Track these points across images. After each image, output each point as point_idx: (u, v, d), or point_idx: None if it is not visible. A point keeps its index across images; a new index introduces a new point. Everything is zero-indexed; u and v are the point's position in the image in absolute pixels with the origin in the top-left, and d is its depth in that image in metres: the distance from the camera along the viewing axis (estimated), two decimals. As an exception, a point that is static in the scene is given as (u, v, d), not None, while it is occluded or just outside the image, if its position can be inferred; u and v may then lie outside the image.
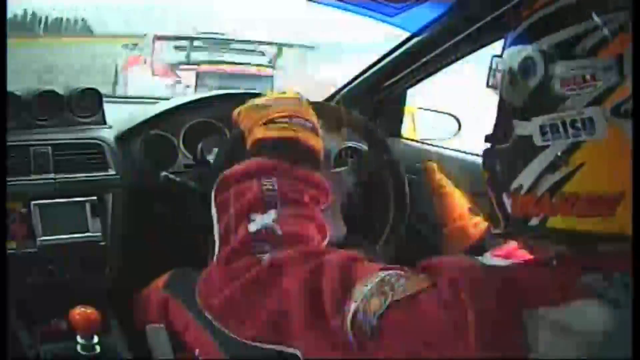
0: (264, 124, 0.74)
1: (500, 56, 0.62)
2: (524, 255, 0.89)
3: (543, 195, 0.55)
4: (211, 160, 1.32)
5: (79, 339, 1.15)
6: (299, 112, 0.76)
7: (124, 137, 1.36)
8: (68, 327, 1.18)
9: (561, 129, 0.53)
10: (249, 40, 6.44)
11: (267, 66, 5.94)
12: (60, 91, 1.35)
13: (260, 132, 0.74)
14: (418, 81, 1.56)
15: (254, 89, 1.81)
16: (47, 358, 1.18)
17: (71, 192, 1.26)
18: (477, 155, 1.51)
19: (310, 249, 0.63)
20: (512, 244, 0.94)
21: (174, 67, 5.69)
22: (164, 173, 1.30)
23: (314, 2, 1.36)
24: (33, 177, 1.23)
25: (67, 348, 1.18)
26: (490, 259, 0.70)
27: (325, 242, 0.68)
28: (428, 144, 1.67)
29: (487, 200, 0.65)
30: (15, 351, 1.17)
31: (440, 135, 1.72)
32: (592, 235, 0.53)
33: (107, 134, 1.35)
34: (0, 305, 0.93)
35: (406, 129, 1.71)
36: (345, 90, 1.66)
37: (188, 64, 5.66)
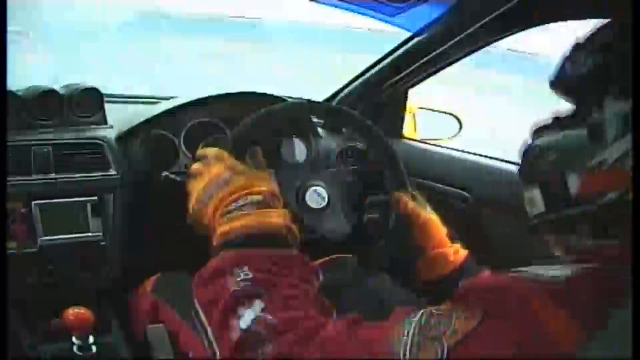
0: (221, 216, 0.73)
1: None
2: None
3: (631, 167, 0.55)
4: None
5: (74, 339, 1.15)
6: (245, 185, 0.75)
7: (124, 137, 1.36)
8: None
9: None
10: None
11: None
12: (61, 91, 1.35)
13: (220, 228, 0.73)
14: (418, 81, 1.56)
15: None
16: (46, 358, 1.18)
17: (72, 192, 1.26)
18: (477, 155, 1.52)
19: (309, 327, 0.62)
20: (487, 273, 0.95)
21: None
22: (164, 173, 1.30)
23: (315, 1, 1.36)
24: (33, 176, 1.23)
25: (66, 348, 1.18)
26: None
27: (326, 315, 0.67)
28: (429, 144, 1.68)
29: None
30: (15, 351, 1.17)
31: (441, 135, 1.72)
32: None
33: (108, 134, 1.35)
34: (0, 305, 0.92)
35: (407, 129, 1.72)
36: (346, 90, 1.66)
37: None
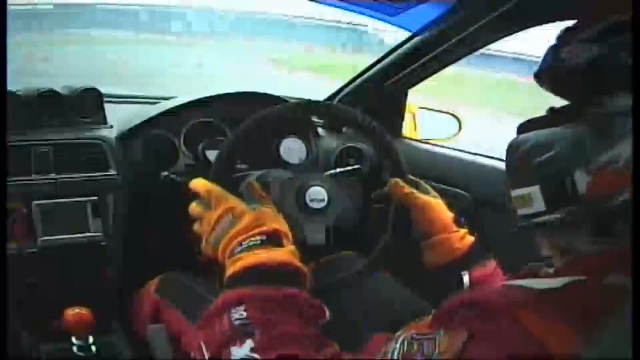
0: (228, 257, 0.74)
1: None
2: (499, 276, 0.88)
3: None
4: (212, 160, 1.32)
5: (74, 340, 1.15)
6: (249, 226, 0.74)
7: (124, 137, 1.36)
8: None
9: None
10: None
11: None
12: (61, 91, 1.35)
13: (229, 269, 0.73)
14: (418, 81, 1.56)
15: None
16: (46, 358, 1.18)
17: (72, 192, 1.26)
18: (478, 155, 1.52)
19: None
20: (492, 263, 0.93)
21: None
22: (164, 173, 1.30)
23: (316, 1, 1.36)
24: (34, 177, 1.23)
25: (66, 348, 1.18)
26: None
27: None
28: (429, 144, 1.68)
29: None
30: (15, 351, 1.17)
31: (441, 134, 1.72)
32: None
33: (108, 134, 1.35)
34: (0, 305, 0.93)
35: (407, 129, 1.72)
36: (346, 89, 1.66)
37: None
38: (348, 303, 1.08)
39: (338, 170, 1.09)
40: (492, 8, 1.16)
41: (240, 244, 0.73)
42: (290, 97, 1.52)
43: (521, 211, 0.64)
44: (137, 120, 1.39)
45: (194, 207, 0.81)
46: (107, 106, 1.40)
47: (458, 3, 1.22)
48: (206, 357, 0.67)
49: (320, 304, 0.72)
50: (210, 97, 1.45)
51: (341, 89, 1.67)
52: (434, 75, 1.51)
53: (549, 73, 0.64)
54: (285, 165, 1.40)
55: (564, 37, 0.63)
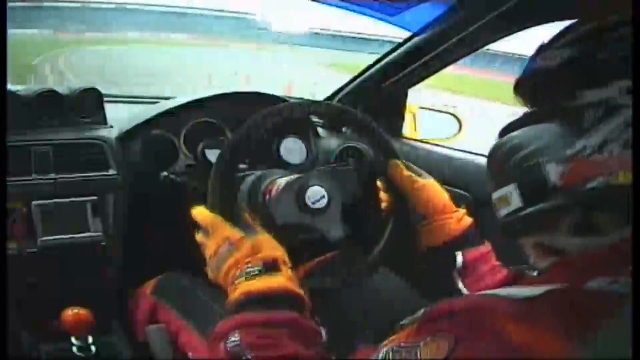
0: (230, 285, 0.76)
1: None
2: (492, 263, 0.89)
3: (616, 151, 0.54)
4: (212, 160, 1.32)
5: (73, 340, 1.16)
6: (247, 254, 0.76)
7: (124, 137, 1.36)
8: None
9: None
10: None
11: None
12: (61, 91, 1.35)
13: (230, 296, 0.76)
14: (418, 81, 1.56)
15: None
16: (46, 358, 1.18)
17: (72, 192, 1.26)
18: (478, 155, 1.52)
19: None
20: (487, 246, 0.94)
21: None
22: (164, 173, 1.30)
23: (316, 1, 1.36)
24: (34, 177, 1.23)
25: (66, 348, 1.18)
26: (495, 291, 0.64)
27: None
28: (429, 144, 1.67)
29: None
30: (15, 351, 1.17)
31: (441, 134, 1.72)
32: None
33: (108, 134, 1.35)
34: (0, 305, 0.93)
35: (407, 129, 1.72)
36: (346, 89, 1.66)
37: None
38: (348, 303, 1.08)
39: (335, 166, 1.09)
40: (492, 8, 1.16)
41: (240, 272, 0.75)
42: (290, 97, 1.52)
43: (502, 212, 0.65)
44: (137, 121, 1.39)
45: (198, 237, 0.84)
46: (107, 106, 1.40)
47: (458, 3, 1.22)
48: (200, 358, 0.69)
49: (316, 327, 0.74)
50: (210, 97, 1.45)
51: (341, 89, 1.67)
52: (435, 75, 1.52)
53: (527, 82, 0.66)
54: (285, 165, 1.40)
55: (540, 48, 0.65)
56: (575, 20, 0.63)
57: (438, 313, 0.57)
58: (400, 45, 1.46)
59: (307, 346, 0.70)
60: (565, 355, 0.47)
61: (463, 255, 0.93)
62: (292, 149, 1.45)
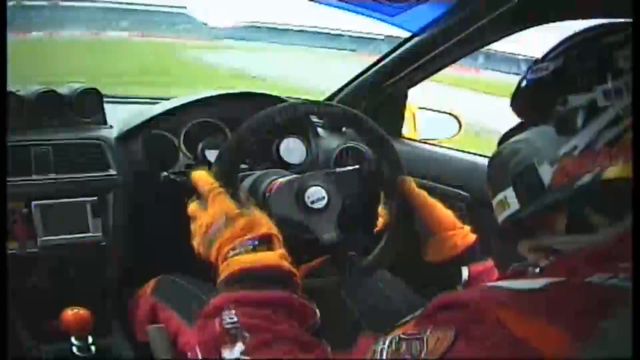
0: (222, 261, 0.75)
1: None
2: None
3: (602, 148, 0.59)
4: (212, 160, 1.32)
5: (73, 340, 1.15)
6: (243, 229, 0.76)
7: (124, 137, 1.36)
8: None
9: (624, 92, 0.59)
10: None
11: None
12: (61, 91, 1.35)
13: (222, 272, 0.75)
14: (418, 81, 1.56)
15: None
16: (46, 358, 1.18)
17: (72, 192, 1.26)
18: (478, 155, 1.52)
19: None
20: (489, 262, 0.97)
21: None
22: (164, 173, 1.30)
23: (316, 1, 1.36)
24: (34, 177, 1.23)
25: (66, 348, 1.18)
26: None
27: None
28: (429, 144, 1.68)
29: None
30: (15, 351, 1.17)
31: (441, 134, 1.72)
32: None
33: (108, 134, 1.35)
34: (0, 305, 0.93)
35: (407, 129, 1.71)
36: (346, 89, 1.66)
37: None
38: (348, 303, 1.08)
39: (337, 170, 1.09)
40: (492, 8, 1.16)
41: (233, 248, 0.75)
42: (290, 97, 1.52)
43: (501, 216, 0.68)
44: (137, 120, 1.38)
45: (192, 206, 0.83)
46: (107, 106, 1.40)
47: (458, 3, 1.22)
48: (199, 358, 0.69)
49: (310, 305, 0.74)
50: (210, 97, 1.45)
51: (341, 89, 1.67)
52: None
53: (522, 95, 0.71)
54: (285, 165, 1.40)
55: (534, 62, 0.70)
56: (564, 37, 0.68)
57: (440, 305, 0.58)
58: (400, 45, 1.46)
59: (302, 326, 0.70)
60: (566, 346, 0.48)
61: (469, 269, 0.95)
62: (292, 149, 1.45)
